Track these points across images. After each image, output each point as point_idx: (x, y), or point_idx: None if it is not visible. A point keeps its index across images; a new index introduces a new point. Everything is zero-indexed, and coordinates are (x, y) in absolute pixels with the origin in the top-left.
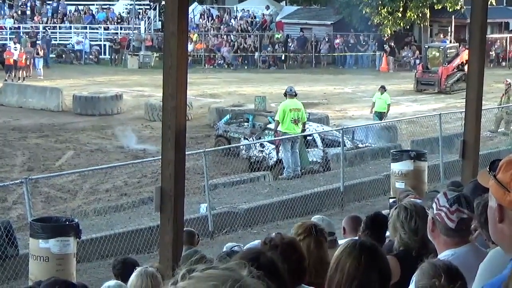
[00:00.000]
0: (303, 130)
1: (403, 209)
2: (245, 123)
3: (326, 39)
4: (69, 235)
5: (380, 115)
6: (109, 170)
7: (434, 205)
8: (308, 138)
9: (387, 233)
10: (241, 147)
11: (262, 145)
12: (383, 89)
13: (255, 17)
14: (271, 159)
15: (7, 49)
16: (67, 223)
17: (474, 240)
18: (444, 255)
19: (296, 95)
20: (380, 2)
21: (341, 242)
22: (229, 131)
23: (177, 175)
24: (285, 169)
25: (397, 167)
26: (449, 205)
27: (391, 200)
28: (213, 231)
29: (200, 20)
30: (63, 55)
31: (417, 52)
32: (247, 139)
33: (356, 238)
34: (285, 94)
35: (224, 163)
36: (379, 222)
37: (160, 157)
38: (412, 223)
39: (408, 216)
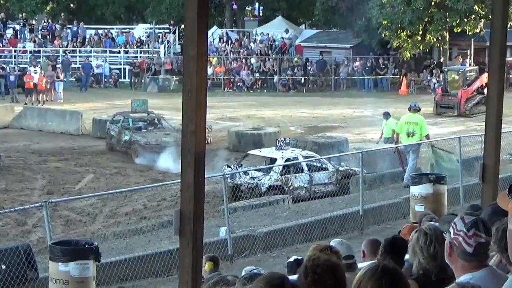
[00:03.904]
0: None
1: (423, 233)
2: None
3: (346, 62)
4: (89, 259)
5: (388, 141)
6: (128, 194)
7: (451, 230)
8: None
9: (406, 256)
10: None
11: (246, 173)
12: (386, 115)
13: (274, 41)
14: (263, 186)
15: (27, 72)
16: (86, 246)
17: (497, 264)
18: (462, 279)
19: (419, 110)
20: (399, 25)
21: (360, 265)
22: (110, 129)
23: (197, 199)
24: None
25: (416, 190)
26: (467, 229)
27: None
28: (232, 255)
29: (219, 43)
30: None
31: (440, 75)
32: (230, 166)
33: (376, 261)
34: (409, 109)
35: None
36: (398, 245)
37: (180, 180)
38: (431, 248)
39: (427, 241)
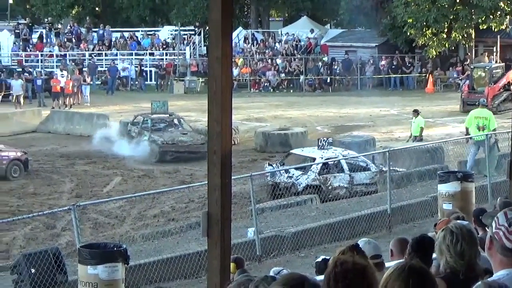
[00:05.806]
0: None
1: (449, 232)
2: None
3: (371, 61)
4: (117, 261)
5: (415, 139)
6: (156, 196)
7: (493, 223)
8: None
9: (434, 255)
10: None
11: (287, 171)
12: (415, 113)
13: (299, 41)
14: (299, 185)
15: (54, 76)
16: (115, 249)
17: None
18: (499, 274)
19: (486, 105)
20: (424, 23)
21: (388, 264)
22: (131, 130)
23: (224, 200)
24: None
25: (444, 188)
26: (508, 224)
27: None
28: (260, 255)
29: (245, 44)
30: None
31: (467, 72)
32: (271, 165)
33: (403, 260)
34: (478, 104)
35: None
36: (425, 244)
37: (207, 182)
38: (458, 247)
39: (454, 239)
